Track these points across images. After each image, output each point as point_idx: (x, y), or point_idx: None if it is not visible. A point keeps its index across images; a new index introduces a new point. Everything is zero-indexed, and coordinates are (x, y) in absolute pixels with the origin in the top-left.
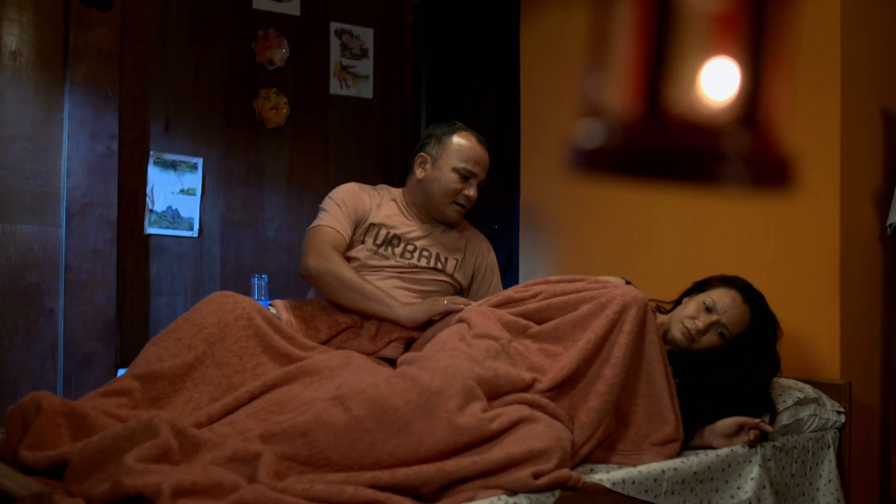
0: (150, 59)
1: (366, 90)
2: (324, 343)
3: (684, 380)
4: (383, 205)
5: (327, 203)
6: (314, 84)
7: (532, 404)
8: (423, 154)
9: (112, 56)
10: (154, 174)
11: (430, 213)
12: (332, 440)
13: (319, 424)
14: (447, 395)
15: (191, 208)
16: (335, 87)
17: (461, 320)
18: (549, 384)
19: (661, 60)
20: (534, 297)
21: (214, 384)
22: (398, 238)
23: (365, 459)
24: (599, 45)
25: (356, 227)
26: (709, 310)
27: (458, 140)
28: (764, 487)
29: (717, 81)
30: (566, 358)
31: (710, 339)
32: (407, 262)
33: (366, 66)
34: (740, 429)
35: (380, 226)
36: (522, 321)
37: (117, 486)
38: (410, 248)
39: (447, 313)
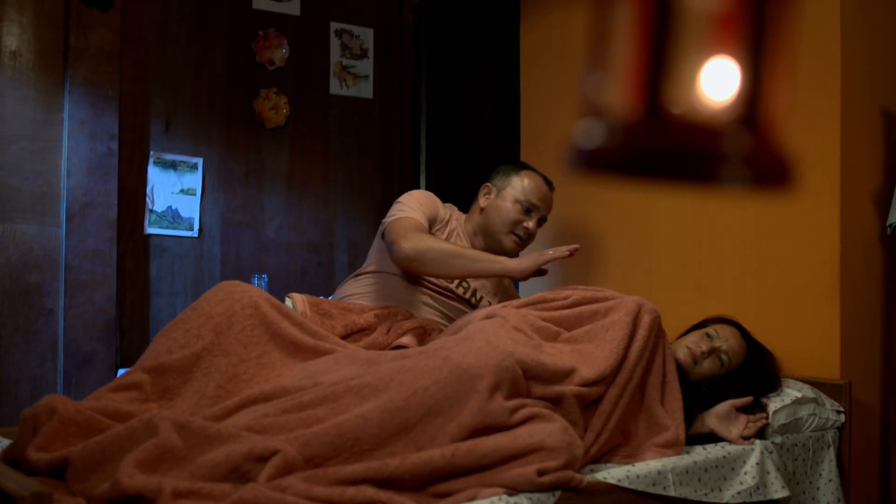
0: (150, 59)
1: (366, 90)
2: None
3: (687, 401)
4: (448, 223)
5: (406, 199)
6: (314, 84)
7: (559, 400)
8: (488, 185)
9: (112, 56)
10: (154, 174)
11: (487, 243)
12: (362, 421)
13: (350, 410)
14: (479, 376)
15: (191, 208)
16: (335, 87)
17: (493, 315)
18: (595, 375)
19: (661, 60)
20: (564, 298)
21: (221, 372)
22: None
23: (396, 440)
24: (599, 45)
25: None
26: (710, 338)
27: (525, 176)
28: (769, 473)
29: (717, 81)
30: (601, 354)
31: (712, 364)
32: (445, 284)
33: (366, 66)
34: (734, 410)
35: None
36: (554, 328)
37: (117, 487)
38: None
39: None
